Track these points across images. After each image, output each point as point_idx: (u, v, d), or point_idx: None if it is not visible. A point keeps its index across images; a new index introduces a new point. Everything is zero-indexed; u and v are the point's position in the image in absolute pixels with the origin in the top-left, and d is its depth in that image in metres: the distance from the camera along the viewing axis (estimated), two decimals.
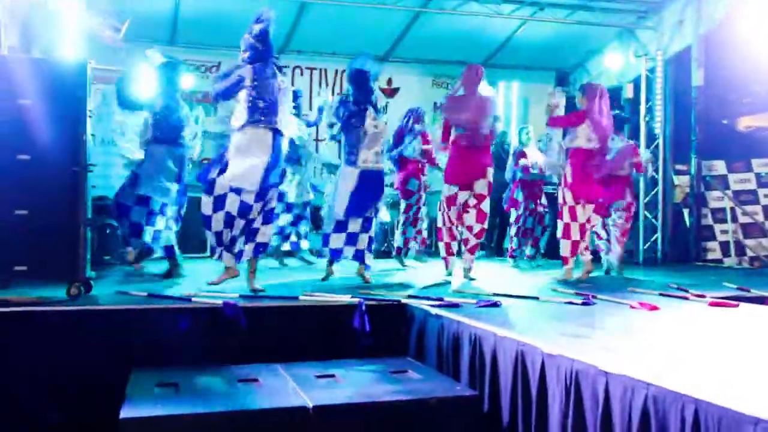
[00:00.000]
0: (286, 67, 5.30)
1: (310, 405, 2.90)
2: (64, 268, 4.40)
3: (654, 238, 9.40)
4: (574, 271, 6.17)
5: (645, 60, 9.44)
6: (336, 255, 5.66)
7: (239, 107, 4.82)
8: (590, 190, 6.12)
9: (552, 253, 8.58)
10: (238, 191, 4.74)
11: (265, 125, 4.82)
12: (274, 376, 3.36)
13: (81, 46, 6.97)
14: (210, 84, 5.14)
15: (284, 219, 6.98)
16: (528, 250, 8.15)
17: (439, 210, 6.13)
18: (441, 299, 4.40)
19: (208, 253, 8.31)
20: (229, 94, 4.89)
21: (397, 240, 7.62)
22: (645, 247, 9.32)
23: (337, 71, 10.37)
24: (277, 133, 4.87)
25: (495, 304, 4.29)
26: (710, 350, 3.08)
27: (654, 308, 4.21)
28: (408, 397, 3.07)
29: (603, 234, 6.94)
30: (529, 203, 7.94)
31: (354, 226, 5.64)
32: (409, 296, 4.60)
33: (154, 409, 2.82)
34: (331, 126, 5.88)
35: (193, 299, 4.29)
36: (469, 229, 5.94)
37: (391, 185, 7.62)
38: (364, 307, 4.16)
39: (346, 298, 4.44)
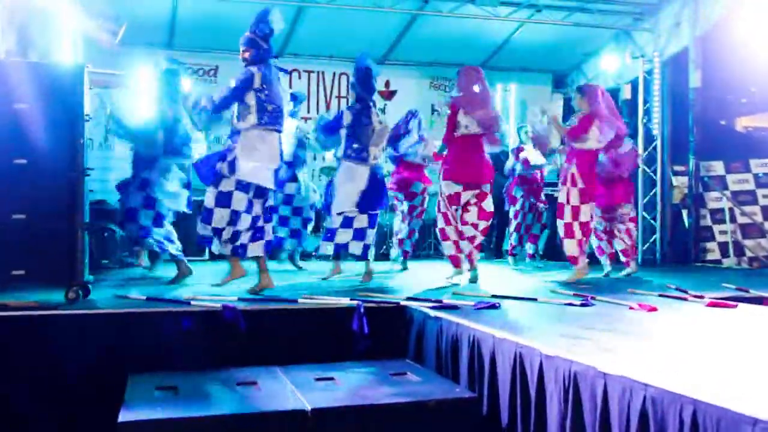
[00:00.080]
0: (286, 70, 5.25)
1: (309, 408, 2.90)
2: (62, 272, 4.39)
3: (653, 239, 9.41)
4: (567, 273, 6.17)
5: (642, 62, 9.45)
6: (341, 249, 5.65)
7: (245, 109, 4.78)
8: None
9: (551, 253, 8.61)
10: (245, 188, 4.74)
11: (273, 128, 4.86)
12: (273, 379, 3.36)
13: (78, 49, 6.98)
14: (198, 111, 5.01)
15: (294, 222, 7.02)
16: (529, 248, 8.17)
17: (440, 211, 5.89)
18: (440, 301, 4.40)
19: (207, 257, 8.32)
20: (233, 98, 4.79)
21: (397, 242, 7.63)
22: (644, 248, 9.33)
23: (334, 74, 10.38)
24: (280, 136, 4.94)
25: (494, 306, 4.29)
26: (709, 351, 3.08)
27: (653, 309, 4.21)
28: (407, 399, 3.07)
29: (604, 236, 6.94)
30: (529, 197, 8.00)
31: (361, 222, 5.66)
32: (408, 298, 4.59)
33: (152, 413, 2.81)
34: (329, 131, 5.85)
35: (192, 303, 4.29)
36: (474, 226, 5.81)
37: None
38: (362, 310, 4.16)
39: (344, 301, 4.44)
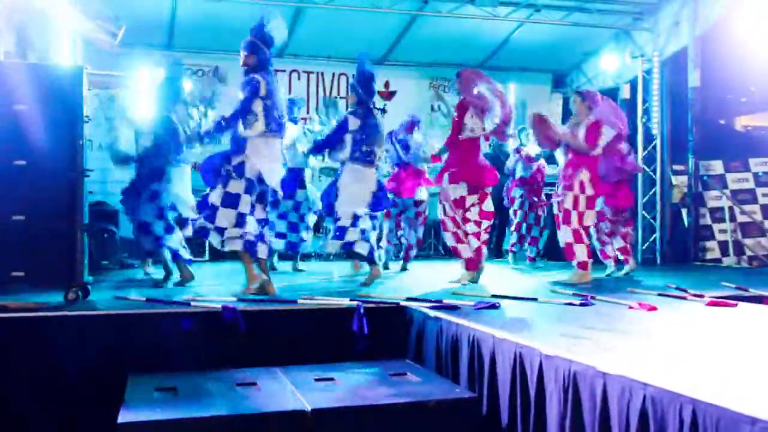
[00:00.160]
0: (280, 71, 5.29)
1: (309, 408, 2.90)
2: (61, 273, 4.40)
3: (652, 238, 9.41)
4: (569, 273, 6.18)
5: (641, 61, 9.45)
6: (350, 247, 5.66)
7: (252, 117, 4.78)
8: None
9: (551, 253, 8.61)
10: (250, 191, 4.74)
11: (278, 135, 4.93)
12: (273, 380, 3.36)
13: (77, 51, 6.98)
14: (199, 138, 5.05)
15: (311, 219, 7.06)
16: (529, 251, 8.18)
17: (446, 214, 5.85)
18: (440, 301, 4.40)
19: (207, 257, 8.33)
20: (245, 111, 4.78)
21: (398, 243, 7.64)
22: (643, 248, 9.33)
23: (333, 75, 10.38)
24: (281, 141, 5.03)
25: (494, 306, 4.29)
26: (708, 350, 3.08)
27: (652, 308, 4.21)
28: (407, 399, 3.07)
29: (608, 239, 6.94)
30: (530, 196, 8.02)
31: (366, 223, 5.68)
32: (408, 298, 4.59)
33: (152, 414, 2.81)
34: (334, 142, 5.78)
35: (192, 303, 4.29)
36: (477, 224, 5.84)
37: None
38: (362, 310, 4.16)
39: (344, 301, 4.44)
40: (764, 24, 8.31)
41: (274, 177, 4.92)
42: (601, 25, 9.57)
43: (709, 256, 9.18)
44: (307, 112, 9.40)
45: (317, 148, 6.03)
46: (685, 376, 2.42)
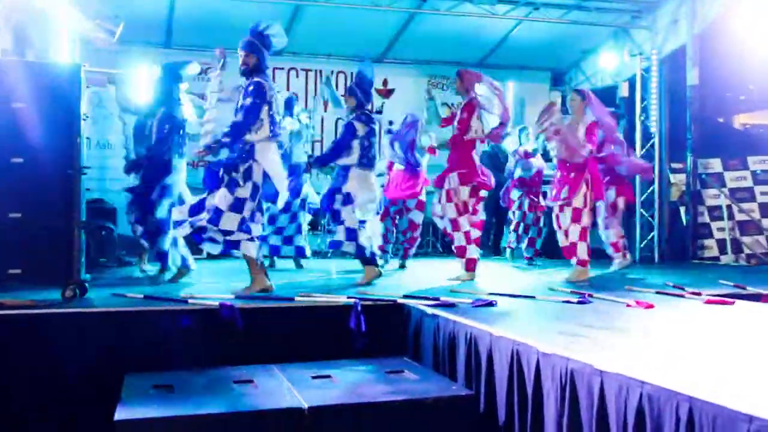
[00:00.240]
0: (279, 68, 5.30)
1: (306, 406, 2.90)
2: (59, 270, 4.40)
3: (651, 236, 9.41)
4: (569, 271, 6.18)
5: (640, 59, 9.44)
6: (361, 253, 5.65)
7: (259, 122, 4.76)
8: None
9: (549, 252, 8.61)
10: (254, 196, 4.75)
11: (278, 139, 4.96)
12: (270, 377, 3.36)
13: (75, 49, 6.97)
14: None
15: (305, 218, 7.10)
16: (526, 252, 8.18)
17: (460, 214, 5.80)
18: (437, 299, 4.40)
19: (205, 255, 8.31)
20: (256, 117, 4.75)
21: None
22: (642, 246, 9.33)
23: (332, 72, 10.36)
24: None
25: (491, 304, 4.29)
26: (706, 348, 3.08)
27: (650, 306, 4.21)
28: (404, 397, 3.07)
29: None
30: (529, 196, 8.03)
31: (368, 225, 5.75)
32: (405, 296, 4.59)
33: (149, 411, 2.81)
34: (341, 150, 5.67)
35: (190, 301, 4.29)
36: (479, 226, 5.96)
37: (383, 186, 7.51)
38: (360, 308, 4.16)
39: (342, 299, 4.44)
40: (762, 22, 8.31)
41: (281, 180, 4.94)
42: (600, 23, 9.56)
43: (707, 254, 9.18)
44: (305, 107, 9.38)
45: (324, 161, 5.82)
46: (683, 374, 2.43)
